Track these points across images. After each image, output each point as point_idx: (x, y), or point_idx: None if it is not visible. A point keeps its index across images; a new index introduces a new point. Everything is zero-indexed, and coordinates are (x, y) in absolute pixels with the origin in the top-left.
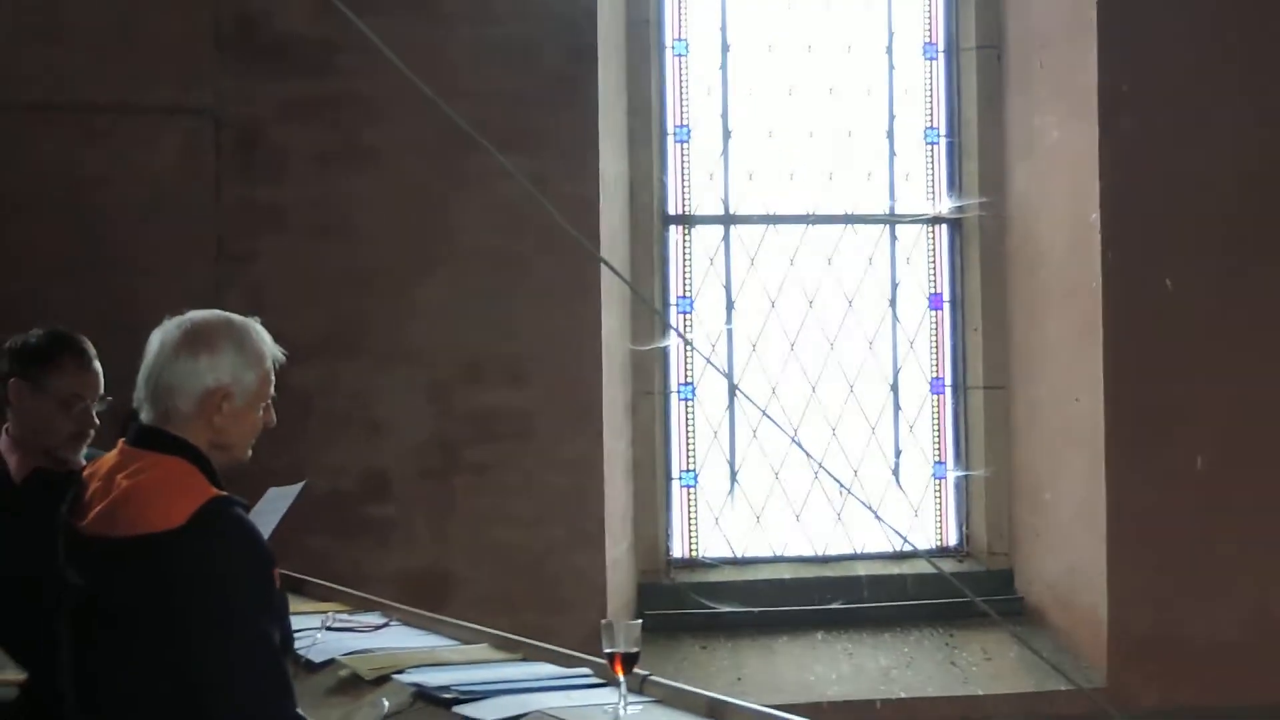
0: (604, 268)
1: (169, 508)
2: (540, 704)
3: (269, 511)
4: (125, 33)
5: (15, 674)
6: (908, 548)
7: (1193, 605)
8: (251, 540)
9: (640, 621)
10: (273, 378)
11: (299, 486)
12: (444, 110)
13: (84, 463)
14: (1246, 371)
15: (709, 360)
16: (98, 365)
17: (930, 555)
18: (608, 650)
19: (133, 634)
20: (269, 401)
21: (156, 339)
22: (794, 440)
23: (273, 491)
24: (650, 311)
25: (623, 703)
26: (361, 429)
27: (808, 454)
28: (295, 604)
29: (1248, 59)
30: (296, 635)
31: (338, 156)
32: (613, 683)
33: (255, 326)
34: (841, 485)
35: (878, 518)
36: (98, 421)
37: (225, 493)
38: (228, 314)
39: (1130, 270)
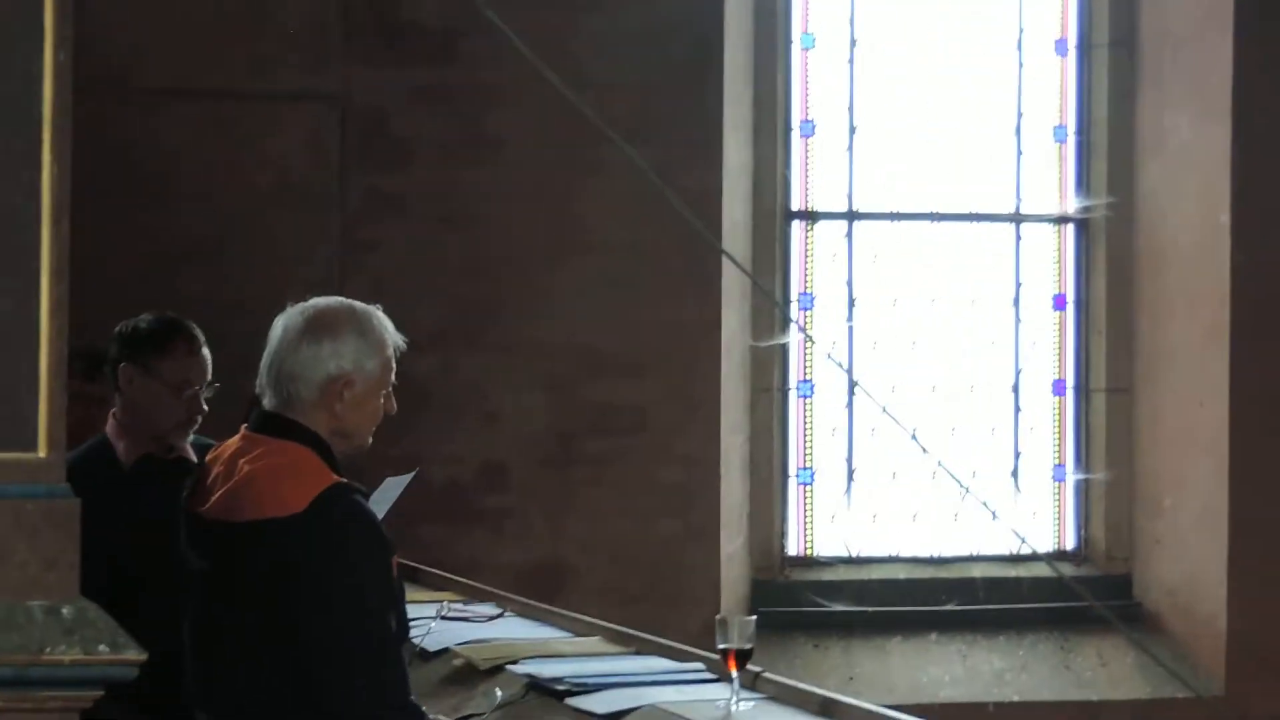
0: (725, 261)
1: (290, 493)
2: (652, 698)
3: (382, 500)
4: (252, 18)
5: (136, 654)
6: (1025, 550)
7: None
8: (371, 527)
9: (754, 618)
10: (394, 365)
11: (411, 475)
12: (570, 100)
13: (190, 449)
14: None
15: (829, 356)
16: (207, 351)
17: (1048, 559)
18: (721, 646)
19: (252, 618)
20: (390, 389)
21: (280, 325)
22: (912, 437)
23: (389, 481)
24: (771, 307)
25: (735, 699)
26: (479, 419)
27: (925, 450)
28: (411, 593)
29: None
30: (412, 624)
31: (462, 145)
32: (725, 678)
33: (377, 314)
34: (959, 483)
35: (995, 516)
36: (205, 408)
37: (345, 479)
38: (350, 301)
39: (1259, 273)
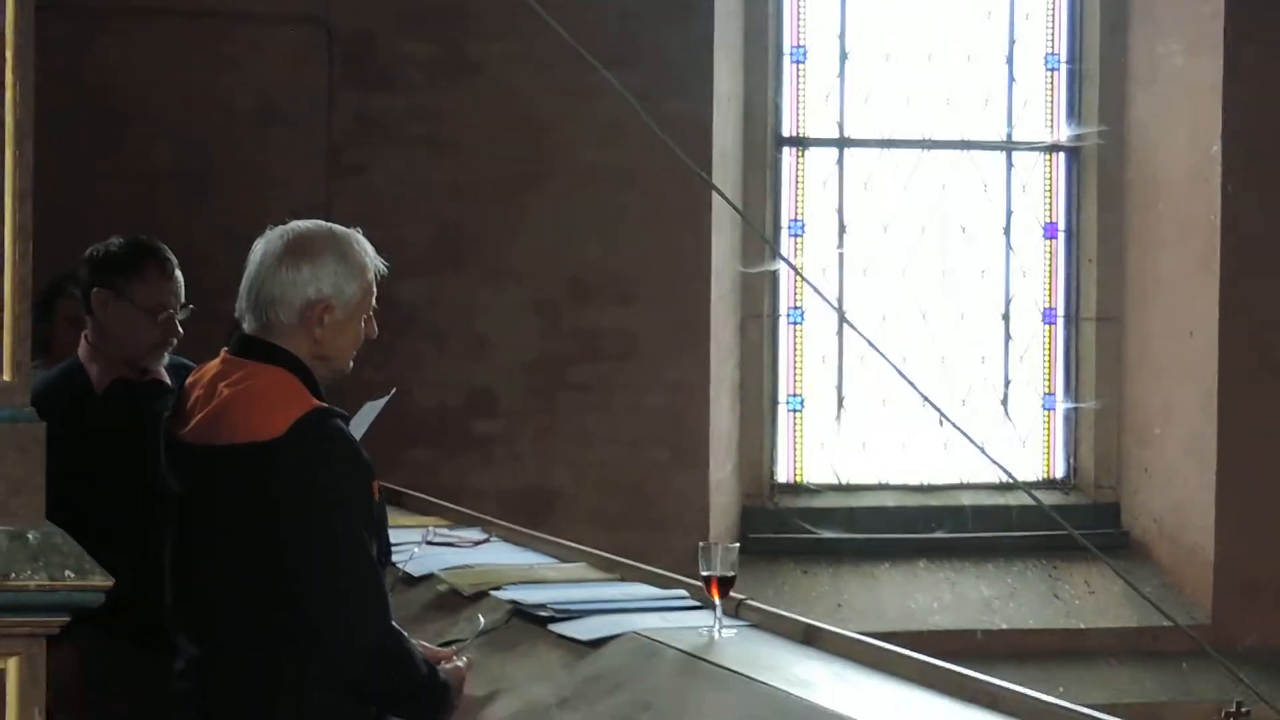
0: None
1: (270, 417)
2: (635, 625)
3: (359, 423)
4: None
5: (102, 580)
6: (1012, 479)
7: None
8: (351, 451)
9: (738, 545)
10: (375, 289)
11: (388, 396)
12: (556, 29)
13: (164, 372)
14: None
15: (817, 290)
16: (180, 274)
17: (1036, 487)
18: (704, 573)
19: (232, 541)
20: (370, 313)
21: (259, 249)
22: (900, 374)
23: (367, 405)
24: (761, 232)
25: (718, 626)
26: (467, 344)
27: (914, 387)
28: (395, 517)
29: None
30: (396, 548)
31: (450, 69)
32: (709, 605)
33: (357, 237)
34: (945, 418)
35: (983, 452)
36: (181, 330)
37: (326, 403)
38: (330, 224)
39: (1249, 203)
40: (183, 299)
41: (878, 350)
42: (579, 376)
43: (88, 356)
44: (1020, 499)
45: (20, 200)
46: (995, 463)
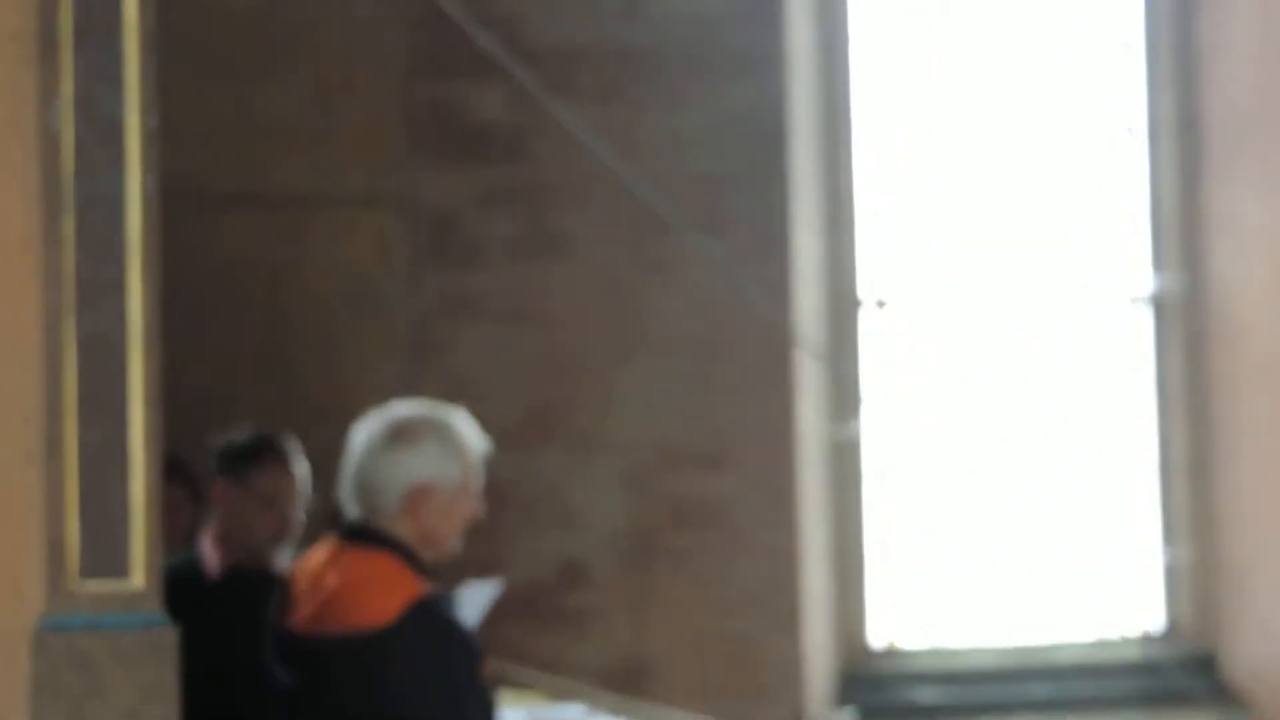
0: (801, 352)
1: (378, 605)
2: None
3: (468, 606)
4: (317, 122)
5: None
6: (1112, 634)
7: None
8: (460, 636)
9: (850, 708)
10: (479, 470)
11: (497, 585)
12: (642, 197)
13: (285, 564)
14: None
15: (907, 452)
16: (301, 465)
17: (1135, 641)
18: None
19: None
20: (476, 494)
21: (360, 434)
22: (995, 536)
23: (471, 589)
24: (848, 395)
25: None
26: (558, 517)
27: (1013, 544)
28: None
29: None
30: None
31: (532, 244)
32: None
33: (460, 419)
34: (1046, 573)
35: (1084, 607)
36: (301, 520)
37: (434, 589)
38: (431, 407)
39: None
40: (304, 491)
41: (973, 513)
42: (671, 545)
43: (209, 546)
44: (1120, 653)
45: (150, 406)
46: (1099, 616)
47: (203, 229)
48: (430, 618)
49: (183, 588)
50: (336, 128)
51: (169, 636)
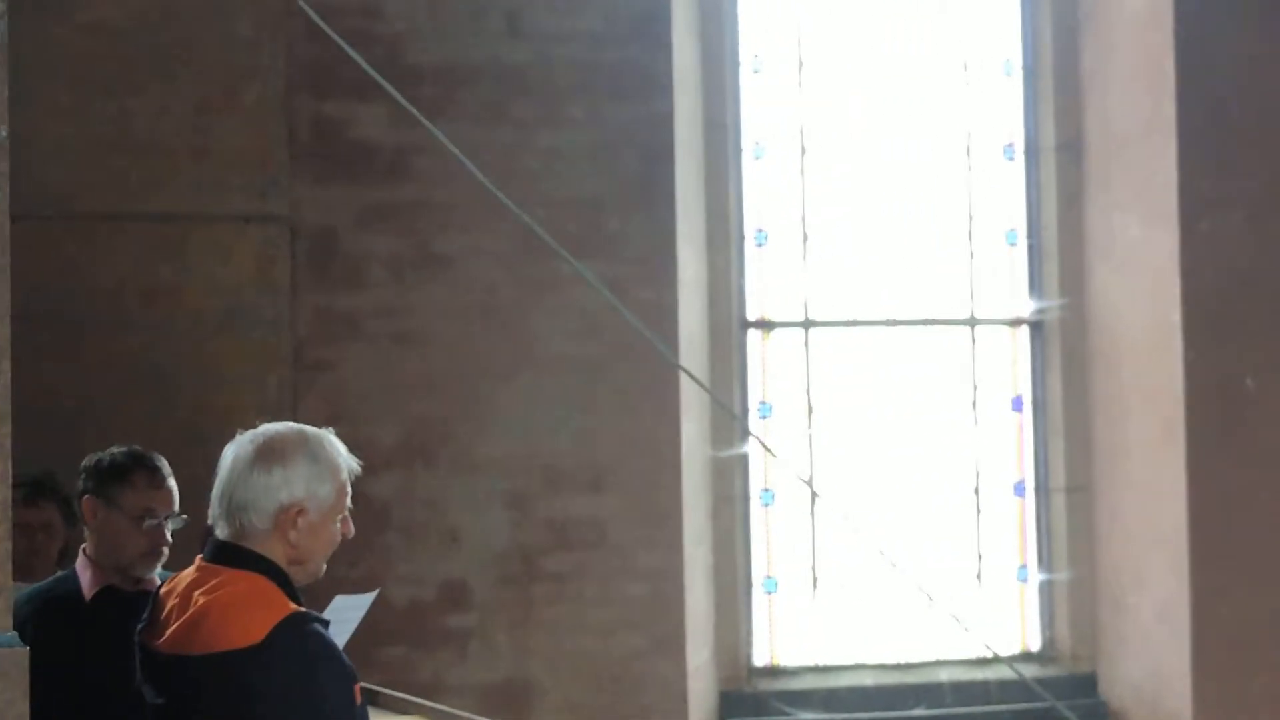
0: (682, 375)
1: (247, 624)
2: None
3: (340, 621)
4: (198, 140)
5: None
6: (991, 654)
7: (1277, 708)
8: (332, 656)
9: None
10: (349, 490)
11: (371, 596)
12: (520, 218)
13: (158, 581)
14: None
15: (788, 472)
16: (172, 483)
17: (1013, 660)
18: None
19: None
20: (346, 514)
21: (230, 454)
22: (880, 552)
23: (340, 600)
24: (730, 418)
25: None
26: (439, 538)
27: (894, 564)
28: (374, 717)
29: None
30: None
31: (414, 263)
32: None
33: (329, 438)
34: (927, 595)
35: (965, 628)
36: (170, 539)
37: (304, 608)
38: (301, 426)
39: (1212, 369)
40: (175, 508)
41: (853, 529)
42: (552, 566)
43: (83, 566)
44: (999, 673)
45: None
46: (977, 638)
47: (83, 247)
48: (301, 636)
49: (56, 607)
50: (216, 146)
51: (20, 657)
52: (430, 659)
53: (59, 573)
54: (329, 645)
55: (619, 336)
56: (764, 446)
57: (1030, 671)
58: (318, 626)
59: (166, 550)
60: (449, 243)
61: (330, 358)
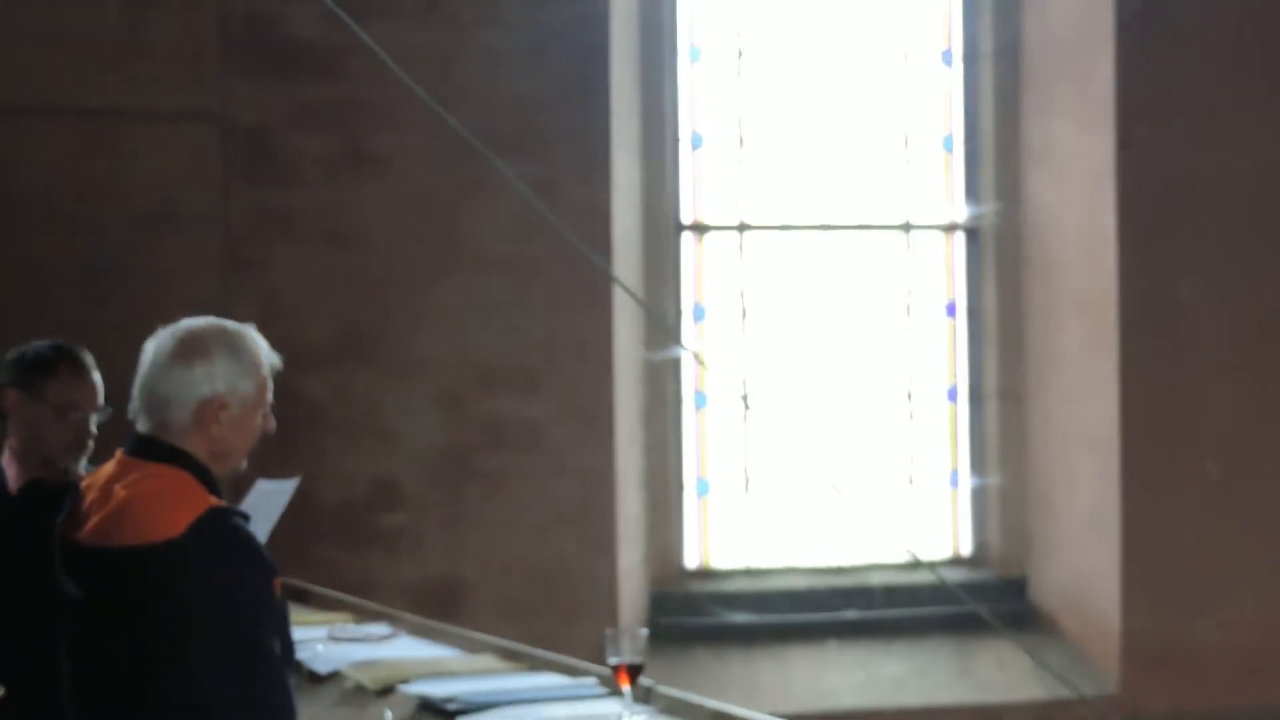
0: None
1: (167, 518)
2: (544, 715)
3: (263, 508)
4: (130, 36)
5: None
6: (915, 558)
7: (1206, 612)
8: (251, 550)
9: (645, 631)
10: (270, 385)
11: (292, 483)
12: (448, 121)
13: (83, 474)
14: (1261, 378)
15: (721, 377)
16: (96, 375)
17: (944, 564)
18: (612, 661)
19: (132, 645)
20: (267, 409)
21: (151, 348)
22: (807, 461)
23: (262, 484)
24: (663, 321)
25: (627, 713)
26: (372, 437)
27: (820, 472)
28: (300, 614)
29: (1267, 66)
30: (302, 645)
31: (348, 163)
32: (618, 693)
33: (250, 333)
34: (852, 501)
35: (890, 534)
36: (95, 431)
37: (224, 503)
38: (222, 321)
39: (1145, 277)
40: (100, 401)
41: (784, 436)
42: (485, 466)
43: (8, 460)
44: (929, 576)
45: None
46: (904, 544)
47: (15, 142)
48: (221, 530)
49: None
50: (150, 42)
51: None
52: (361, 557)
53: None
54: (249, 539)
55: (554, 238)
56: (697, 359)
57: (960, 576)
58: (238, 520)
59: (91, 443)
60: (384, 143)
61: (263, 256)
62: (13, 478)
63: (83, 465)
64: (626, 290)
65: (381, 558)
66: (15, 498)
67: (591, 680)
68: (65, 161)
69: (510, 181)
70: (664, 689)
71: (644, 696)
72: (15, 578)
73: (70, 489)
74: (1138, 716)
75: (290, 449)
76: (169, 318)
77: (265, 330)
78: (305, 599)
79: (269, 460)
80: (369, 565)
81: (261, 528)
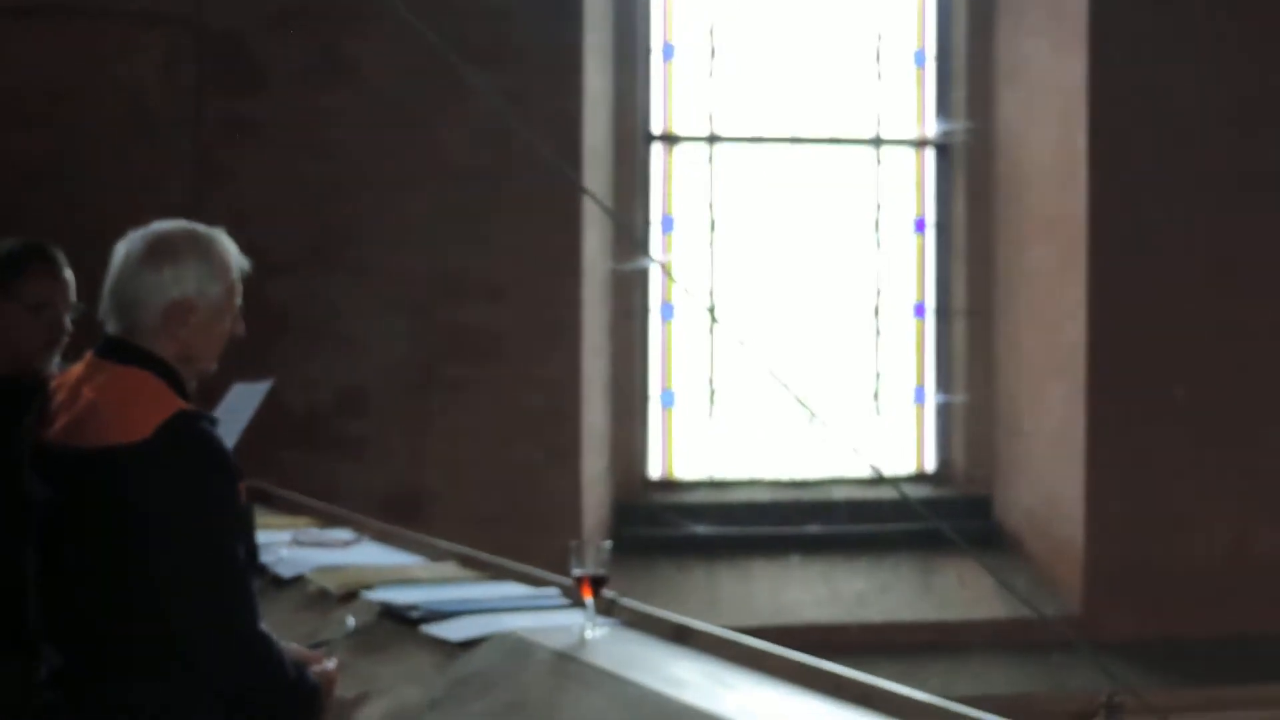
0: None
1: (134, 420)
2: (507, 624)
3: (237, 410)
4: None
5: None
6: (877, 474)
7: (1170, 535)
8: (217, 454)
9: (609, 543)
10: (239, 288)
11: (266, 385)
12: (418, 28)
13: (55, 372)
14: (1229, 301)
15: (688, 291)
16: (69, 273)
17: (908, 480)
18: (575, 572)
19: (97, 546)
20: (236, 312)
21: (121, 250)
22: (772, 374)
23: (238, 387)
24: (631, 232)
25: (590, 625)
26: (339, 344)
27: (786, 387)
28: (265, 517)
29: None
30: (266, 549)
31: (320, 69)
32: (581, 604)
33: (220, 236)
34: (814, 416)
35: (850, 449)
36: (69, 328)
37: (192, 406)
38: (192, 225)
39: (1116, 197)
40: (73, 298)
41: (749, 350)
42: (451, 375)
43: None
44: (893, 492)
45: None
46: (863, 458)
47: None
48: (187, 433)
49: None
50: None
51: None
52: (327, 464)
53: None
54: (215, 442)
55: (523, 148)
56: (665, 270)
57: (924, 493)
58: (205, 425)
59: (65, 339)
60: (356, 49)
61: (233, 162)
62: None
63: (55, 363)
64: (596, 200)
65: (347, 465)
66: None
67: (554, 591)
68: (34, 62)
69: (481, 91)
70: (627, 601)
71: (606, 609)
72: None
73: (40, 387)
74: (1099, 639)
75: (259, 354)
76: (139, 222)
77: (234, 236)
78: (270, 502)
79: (233, 364)
80: (334, 471)
81: (236, 427)
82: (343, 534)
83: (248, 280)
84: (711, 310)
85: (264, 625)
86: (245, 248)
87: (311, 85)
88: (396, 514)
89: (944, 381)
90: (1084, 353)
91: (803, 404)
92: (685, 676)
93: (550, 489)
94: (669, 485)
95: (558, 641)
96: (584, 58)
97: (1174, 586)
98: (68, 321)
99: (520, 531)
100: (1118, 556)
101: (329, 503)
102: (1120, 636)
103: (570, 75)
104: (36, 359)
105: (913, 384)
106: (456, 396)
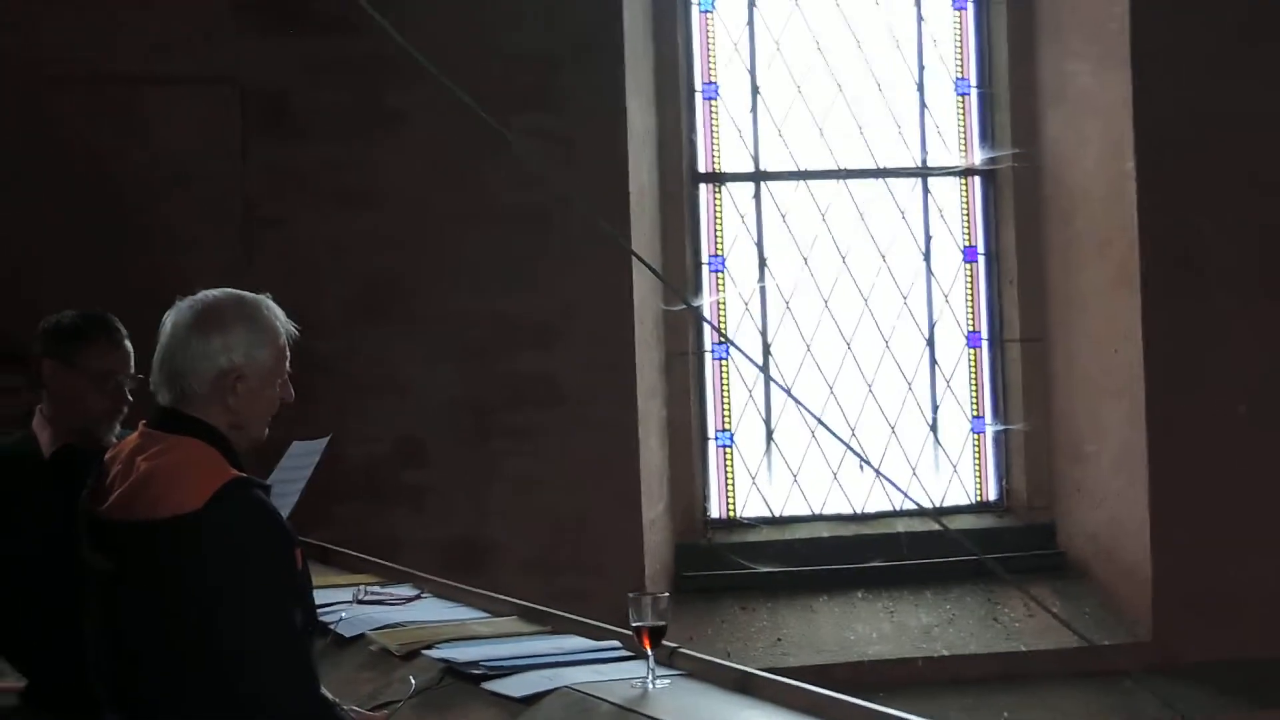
0: (635, 226)
1: (188, 490)
2: (568, 679)
3: (297, 468)
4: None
5: (14, 681)
6: (946, 504)
7: (1239, 555)
8: (271, 521)
9: (667, 595)
10: (288, 353)
11: (324, 441)
12: (448, 86)
13: (115, 441)
14: None
15: (724, 338)
16: (128, 343)
17: (969, 510)
18: (635, 624)
19: (155, 618)
20: (285, 378)
21: (169, 321)
22: (820, 422)
23: (297, 446)
24: (683, 270)
25: (651, 677)
26: (393, 395)
27: (834, 434)
28: (325, 576)
29: None
30: (327, 609)
31: (364, 119)
32: (642, 655)
33: (267, 303)
34: (863, 459)
35: (899, 488)
36: (130, 398)
37: (244, 474)
38: (239, 292)
39: (1166, 216)
40: (132, 369)
41: (793, 397)
42: (507, 422)
43: (40, 425)
44: (955, 524)
45: None
46: (900, 491)
47: (30, 110)
48: (241, 501)
49: (13, 466)
50: (160, 4)
51: None
52: (387, 516)
53: (19, 434)
54: (268, 510)
55: (570, 190)
56: (705, 320)
57: (986, 523)
58: (258, 492)
59: (126, 409)
60: (399, 98)
61: (281, 215)
62: (45, 443)
63: (116, 432)
64: (638, 257)
65: (408, 517)
66: (48, 463)
67: (615, 643)
68: (80, 128)
69: (534, 135)
70: (688, 651)
71: (668, 659)
72: (54, 539)
73: (97, 458)
74: (1171, 663)
75: (311, 408)
76: (190, 282)
77: (285, 289)
78: (328, 560)
79: (289, 421)
80: (395, 524)
81: (298, 485)
82: (404, 590)
83: (298, 336)
84: (765, 355)
85: (325, 690)
86: (295, 300)
87: (356, 134)
88: (458, 563)
89: (1002, 409)
90: (1141, 373)
91: (852, 449)
92: None
93: (612, 533)
94: (730, 525)
95: (619, 695)
96: (627, 100)
97: (1246, 607)
98: (129, 390)
99: (584, 577)
100: (1186, 579)
101: (390, 554)
102: (1192, 660)
103: (615, 118)
104: (99, 428)
105: (970, 414)
106: (514, 443)
